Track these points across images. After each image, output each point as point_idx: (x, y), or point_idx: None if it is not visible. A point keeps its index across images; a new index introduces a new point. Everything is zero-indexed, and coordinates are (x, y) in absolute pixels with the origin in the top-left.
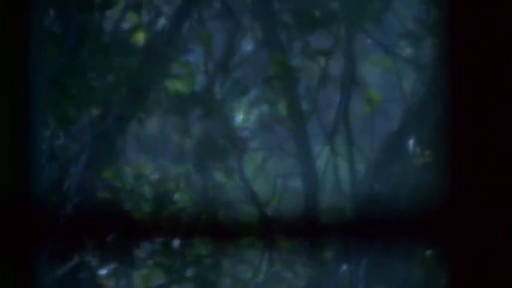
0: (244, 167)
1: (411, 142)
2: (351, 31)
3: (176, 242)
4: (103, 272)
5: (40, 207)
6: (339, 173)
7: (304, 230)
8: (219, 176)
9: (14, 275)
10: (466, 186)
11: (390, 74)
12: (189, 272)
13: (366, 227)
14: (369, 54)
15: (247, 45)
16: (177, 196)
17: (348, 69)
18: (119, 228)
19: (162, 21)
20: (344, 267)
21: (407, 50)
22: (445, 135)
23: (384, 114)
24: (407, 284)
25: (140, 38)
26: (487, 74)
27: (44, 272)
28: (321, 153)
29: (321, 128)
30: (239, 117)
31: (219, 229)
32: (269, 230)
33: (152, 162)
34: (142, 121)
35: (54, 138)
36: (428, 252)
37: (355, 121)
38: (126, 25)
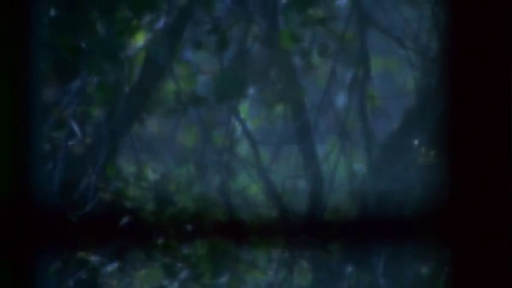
0: (247, 170)
1: (415, 142)
2: (362, 25)
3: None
4: (104, 271)
5: (41, 207)
6: (344, 172)
7: (310, 230)
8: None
9: (14, 275)
10: (468, 185)
11: (392, 73)
12: (190, 273)
13: (369, 227)
14: (370, 55)
15: (252, 44)
16: (178, 196)
17: (361, 64)
18: (120, 228)
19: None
20: (349, 267)
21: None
22: (447, 135)
23: (385, 114)
24: (410, 283)
25: (140, 38)
26: (489, 73)
27: (44, 272)
28: (328, 152)
29: (329, 125)
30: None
31: (228, 229)
32: (286, 229)
33: (153, 162)
34: (143, 121)
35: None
36: (430, 252)
37: (355, 121)
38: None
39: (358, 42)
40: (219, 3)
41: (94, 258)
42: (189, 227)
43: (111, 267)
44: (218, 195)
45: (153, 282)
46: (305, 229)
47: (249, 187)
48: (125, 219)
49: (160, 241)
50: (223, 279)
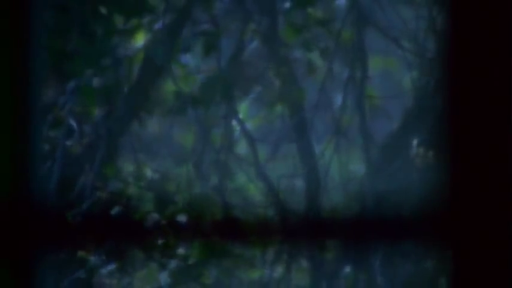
0: (245, 169)
1: (414, 142)
2: (359, 24)
3: (178, 243)
4: (104, 271)
5: (40, 207)
6: (342, 171)
7: (307, 229)
8: (223, 176)
9: (14, 275)
10: (467, 186)
11: (391, 73)
12: (190, 272)
13: (367, 227)
14: (369, 54)
15: (251, 44)
16: (177, 196)
17: (359, 63)
18: (119, 228)
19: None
20: (347, 267)
21: (409, 48)
22: (446, 135)
23: (385, 113)
24: (409, 283)
25: (140, 38)
26: (488, 73)
27: (44, 272)
28: (324, 151)
29: (327, 125)
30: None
31: (231, 230)
32: (283, 227)
33: (153, 162)
34: (142, 121)
35: (65, 138)
36: (430, 253)
37: (355, 121)
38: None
39: (355, 41)
40: (217, 2)
41: (93, 258)
42: (187, 227)
43: (111, 267)
44: (216, 195)
45: (153, 282)
46: (302, 228)
47: (247, 186)
48: (123, 219)
49: (159, 241)
50: (223, 279)
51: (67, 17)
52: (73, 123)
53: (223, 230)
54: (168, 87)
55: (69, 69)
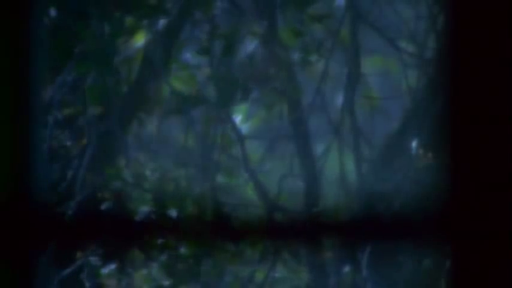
0: (243, 169)
1: (414, 143)
2: (355, 23)
3: (177, 242)
4: (104, 271)
5: (40, 207)
6: (341, 171)
7: (305, 229)
8: (222, 176)
9: (14, 275)
10: (468, 186)
11: (391, 73)
12: (190, 272)
13: (367, 227)
14: (369, 54)
15: (249, 45)
16: (177, 196)
17: (352, 62)
18: (119, 228)
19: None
20: (345, 267)
21: (408, 48)
22: (446, 136)
23: (385, 114)
24: (409, 283)
25: (140, 39)
26: (489, 73)
27: (44, 272)
28: (324, 152)
29: (324, 124)
30: (238, 118)
31: (222, 228)
32: (275, 228)
33: (152, 162)
34: (142, 121)
35: (55, 137)
36: (429, 253)
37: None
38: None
39: (352, 40)
40: (217, 2)
41: (93, 259)
42: (182, 225)
43: (110, 268)
44: (213, 194)
45: (153, 282)
46: (298, 227)
47: (245, 186)
48: (118, 217)
49: (159, 241)
50: (222, 278)
51: (75, 17)
52: (70, 122)
53: (218, 230)
54: (168, 87)
55: (77, 69)
